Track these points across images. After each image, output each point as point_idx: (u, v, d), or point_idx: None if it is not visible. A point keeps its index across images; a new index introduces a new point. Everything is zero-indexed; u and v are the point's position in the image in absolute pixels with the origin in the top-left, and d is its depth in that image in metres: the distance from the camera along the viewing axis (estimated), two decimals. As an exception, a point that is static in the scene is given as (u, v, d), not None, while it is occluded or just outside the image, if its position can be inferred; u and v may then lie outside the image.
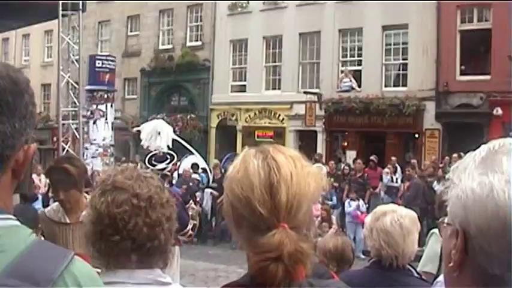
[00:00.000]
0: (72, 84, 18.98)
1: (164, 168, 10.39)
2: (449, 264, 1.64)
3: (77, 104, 18.76)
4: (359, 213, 21.18)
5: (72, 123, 18.79)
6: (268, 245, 2.11)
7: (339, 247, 5.62)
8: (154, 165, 10.49)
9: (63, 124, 18.94)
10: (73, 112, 18.96)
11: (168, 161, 10.55)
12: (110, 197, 2.81)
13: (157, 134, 12.39)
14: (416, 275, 4.52)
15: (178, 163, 24.49)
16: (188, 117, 36.49)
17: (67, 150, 18.32)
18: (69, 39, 20.69)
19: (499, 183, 1.51)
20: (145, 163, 11.34)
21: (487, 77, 28.09)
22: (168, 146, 12.12)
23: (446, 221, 1.71)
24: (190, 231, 10.16)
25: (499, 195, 1.49)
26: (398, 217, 4.37)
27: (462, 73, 29.32)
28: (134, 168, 2.98)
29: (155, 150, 11.53)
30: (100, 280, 2.06)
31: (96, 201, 2.84)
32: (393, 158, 25.88)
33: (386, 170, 24.49)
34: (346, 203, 22.13)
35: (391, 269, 4.35)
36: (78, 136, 18.39)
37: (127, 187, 2.82)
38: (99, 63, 30.17)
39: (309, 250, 2.16)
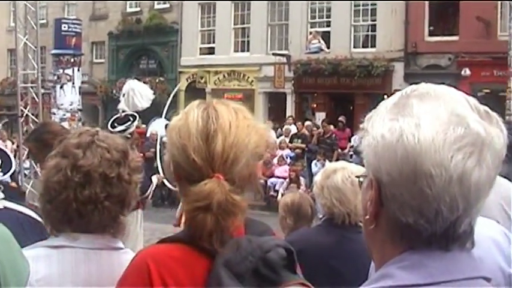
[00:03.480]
0: (31, 47, 18.69)
1: (124, 130, 10.20)
2: (366, 217, 1.60)
3: (35, 67, 18.47)
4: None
5: (32, 87, 18.51)
6: (198, 194, 2.09)
7: (296, 202, 5.59)
8: (114, 127, 10.32)
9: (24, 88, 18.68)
10: (34, 76, 18.66)
11: (129, 123, 10.35)
12: (52, 162, 2.69)
13: (134, 93, 12.10)
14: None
15: (145, 126, 24.41)
16: (157, 80, 36.22)
17: (26, 115, 18.04)
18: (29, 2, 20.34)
19: (409, 127, 1.46)
20: (107, 126, 11.19)
21: (456, 38, 28.25)
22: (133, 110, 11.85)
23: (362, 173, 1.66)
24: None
25: (408, 140, 1.45)
26: (349, 174, 4.31)
27: (431, 34, 29.46)
28: (96, 132, 2.79)
29: (120, 112, 11.30)
30: (12, 241, 2.00)
31: (46, 164, 2.74)
32: (363, 120, 25.83)
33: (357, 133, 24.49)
34: (313, 164, 22.16)
35: (343, 226, 4.31)
36: (37, 100, 18.09)
37: (70, 155, 2.67)
38: (65, 27, 29.74)
39: (241, 202, 2.14)
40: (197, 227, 2.10)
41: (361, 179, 1.66)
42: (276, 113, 32.30)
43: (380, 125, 1.53)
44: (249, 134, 2.22)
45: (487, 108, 1.54)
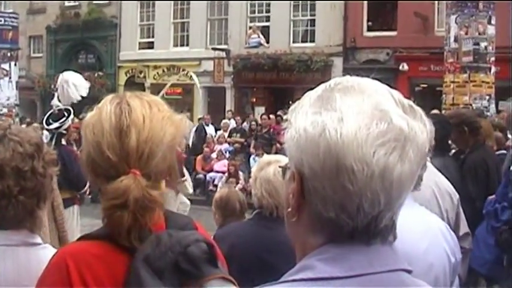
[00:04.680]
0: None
1: (59, 127, 10.07)
2: (288, 209, 1.59)
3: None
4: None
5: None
6: (115, 192, 2.06)
7: (224, 197, 5.62)
8: (49, 124, 10.18)
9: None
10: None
11: (63, 118, 10.21)
12: None
13: (68, 85, 11.82)
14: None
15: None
16: (96, 75, 35.84)
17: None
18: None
19: (332, 122, 1.45)
20: (42, 123, 11.02)
21: (394, 33, 28.59)
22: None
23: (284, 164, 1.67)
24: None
25: (330, 135, 1.43)
26: (283, 167, 4.32)
27: (369, 29, 29.76)
28: (8, 126, 2.70)
29: (54, 108, 11.08)
30: None
31: None
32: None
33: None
34: (251, 159, 22.12)
35: (271, 218, 4.31)
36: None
37: None
38: (1, 21, 29.27)
39: (159, 198, 2.12)
40: (115, 225, 2.07)
41: (284, 170, 1.65)
42: (215, 107, 32.26)
43: (303, 118, 1.51)
44: (164, 127, 2.19)
45: (411, 102, 1.53)
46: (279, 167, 1.74)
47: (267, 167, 4.36)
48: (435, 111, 14.14)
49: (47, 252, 2.47)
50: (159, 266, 2.03)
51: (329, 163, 1.44)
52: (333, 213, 1.47)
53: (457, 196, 4.95)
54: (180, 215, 2.43)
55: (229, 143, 24.42)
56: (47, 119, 10.40)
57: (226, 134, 24.97)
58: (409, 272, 1.53)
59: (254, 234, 4.40)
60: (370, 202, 1.44)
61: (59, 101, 11.37)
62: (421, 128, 1.49)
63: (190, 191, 12.03)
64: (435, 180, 4.80)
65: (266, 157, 4.80)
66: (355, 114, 1.45)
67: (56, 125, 10.08)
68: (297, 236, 1.61)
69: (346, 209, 1.45)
